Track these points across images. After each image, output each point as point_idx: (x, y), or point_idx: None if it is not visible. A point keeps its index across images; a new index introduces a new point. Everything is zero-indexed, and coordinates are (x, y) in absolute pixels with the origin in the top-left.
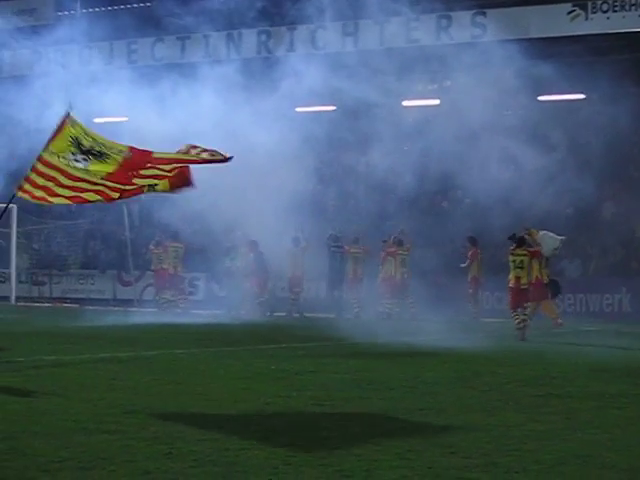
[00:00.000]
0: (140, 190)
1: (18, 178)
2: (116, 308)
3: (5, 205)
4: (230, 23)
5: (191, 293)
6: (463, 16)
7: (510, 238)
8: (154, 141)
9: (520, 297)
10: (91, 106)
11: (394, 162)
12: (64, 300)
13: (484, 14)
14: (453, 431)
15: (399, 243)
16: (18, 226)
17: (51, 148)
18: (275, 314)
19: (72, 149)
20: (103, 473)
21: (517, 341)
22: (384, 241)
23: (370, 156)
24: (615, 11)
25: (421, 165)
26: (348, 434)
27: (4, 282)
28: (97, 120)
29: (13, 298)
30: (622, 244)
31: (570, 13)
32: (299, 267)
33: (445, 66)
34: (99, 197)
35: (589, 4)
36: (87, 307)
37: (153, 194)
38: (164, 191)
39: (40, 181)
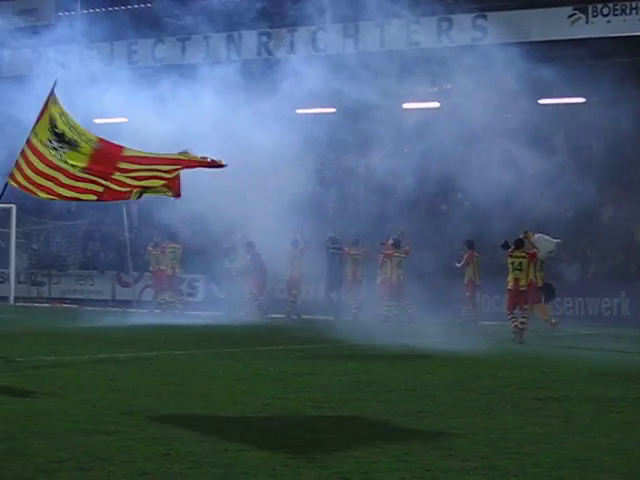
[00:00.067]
0: (129, 194)
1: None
2: (115, 309)
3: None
4: (230, 24)
5: (190, 294)
6: (464, 19)
7: (503, 246)
8: (154, 142)
9: (518, 299)
10: (91, 107)
11: (394, 164)
12: (63, 300)
13: (485, 17)
14: (451, 434)
15: (396, 245)
16: (17, 226)
17: (36, 130)
18: (273, 316)
19: (49, 135)
20: (102, 474)
21: (515, 344)
22: (382, 243)
23: (370, 158)
24: (616, 15)
25: (421, 168)
26: (346, 436)
27: (3, 282)
28: (97, 121)
29: (12, 298)
30: (621, 248)
31: (571, 17)
32: (297, 269)
33: (446, 69)
34: (91, 196)
35: (590, 8)
36: (86, 308)
37: (152, 196)
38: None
39: (28, 172)
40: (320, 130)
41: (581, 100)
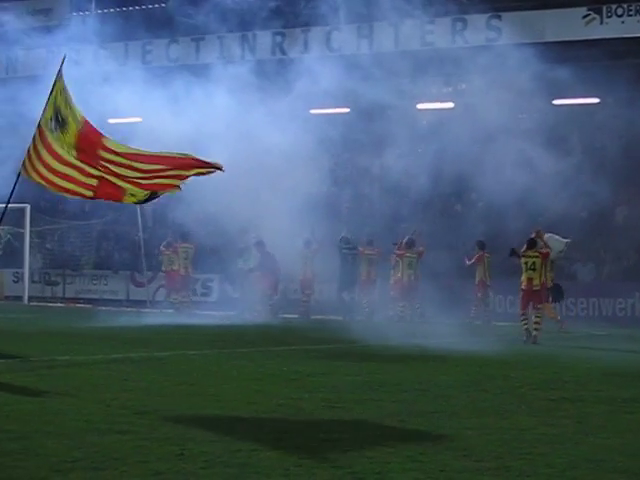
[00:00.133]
0: (122, 193)
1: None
2: (129, 309)
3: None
4: (244, 24)
5: (204, 294)
6: (478, 19)
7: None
8: (169, 142)
9: (532, 298)
10: (105, 106)
11: (408, 165)
12: (77, 300)
13: (499, 17)
14: (465, 434)
15: (410, 245)
16: (32, 226)
17: (45, 112)
18: (286, 316)
19: (52, 114)
20: (115, 473)
21: (529, 344)
22: (394, 243)
23: (384, 158)
24: (630, 15)
25: (435, 168)
26: (360, 436)
27: (17, 282)
28: (111, 121)
29: (26, 298)
30: (635, 249)
31: (585, 17)
32: (310, 269)
33: (460, 69)
34: (88, 192)
35: (604, 8)
36: (100, 307)
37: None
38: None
39: (36, 162)
40: (334, 130)
41: (595, 100)
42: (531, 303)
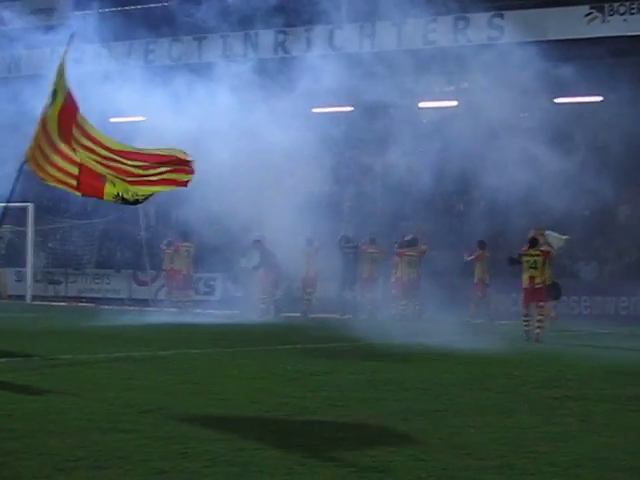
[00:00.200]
0: (102, 185)
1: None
2: (131, 308)
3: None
4: (247, 23)
5: (207, 293)
6: (480, 18)
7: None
8: (172, 140)
9: (534, 296)
10: (108, 105)
11: (411, 163)
12: (80, 299)
13: (502, 16)
14: (468, 433)
15: (412, 244)
16: (34, 225)
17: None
18: (286, 314)
19: (51, 89)
20: (118, 472)
21: (527, 342)
22: (395, 242)
23: (387, 157)
24: (632, 14)
25: (437, 166)
26: (363, 435)
27: (20, 281)
28: (114, 120)
29: (29, 297)
30: (638, 247)
31: (587, 15)
32: (312, 268)
33: (462, 67)
34: (71, 181)
35: (606, 7)
36: (103, 306)
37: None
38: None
39: (36, 151)
40: (337, 128)
41: (598, 99)
42: (533, 302)
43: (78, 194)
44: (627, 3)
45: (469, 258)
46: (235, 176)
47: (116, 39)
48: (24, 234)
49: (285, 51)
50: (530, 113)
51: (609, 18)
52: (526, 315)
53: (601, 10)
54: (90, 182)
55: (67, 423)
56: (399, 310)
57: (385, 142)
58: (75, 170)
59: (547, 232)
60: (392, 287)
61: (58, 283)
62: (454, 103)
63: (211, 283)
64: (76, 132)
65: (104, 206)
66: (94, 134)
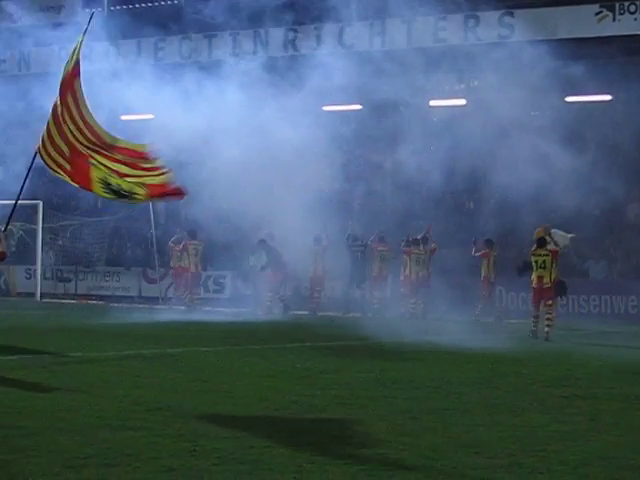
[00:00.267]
0: (88, 174)
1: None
2: (141, 305)
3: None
4: (257, 20)
5: (217, 291)
6: (491, 16)
7: (521, 274)
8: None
9: (543, 295)
10: (117, 103)
11: (421, 161)
12: (89, 297)
13: (512, 14)
14: (478, 431)
15: (422, 242)
16: (44, 223)
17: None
18: (295, 312)
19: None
20: (128, 469)
21: (535, 341)
22: (402, 240)
23: (397, 155)
24: None
25: (447, 164)
26: (372, 433)
27: (30, 278)
28: (124, 117)
29: (39, 295)
30: None
31: (598, 14)
32: (321, 266)
33: (472, 66)
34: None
35: (617, 5)
36: (112, 304)
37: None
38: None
39: (47, 143)
40: (347, 126)
41: (608, 97)
42: (542, 300)
43: (70, 182)
44: (637, 2)
45: (475, 254)
46: (245, 174)
47: (125, 37)
48: (34, 232)
49: (295, 49)
50: (540, 112)
51: (619, 17)
52: (535, 315)
53: (611, 9)
54: (79, 163)
55: (76, 420)
56: (408, 308)
57: (395, 140)
58: (67, 150)
59: (553, 230)
60: (400, 285)
61: (68, 281)
62: (464, 101)
63: (220, 281)
64: (70, 99)
65: (114, 204)
66: (83, 110)
